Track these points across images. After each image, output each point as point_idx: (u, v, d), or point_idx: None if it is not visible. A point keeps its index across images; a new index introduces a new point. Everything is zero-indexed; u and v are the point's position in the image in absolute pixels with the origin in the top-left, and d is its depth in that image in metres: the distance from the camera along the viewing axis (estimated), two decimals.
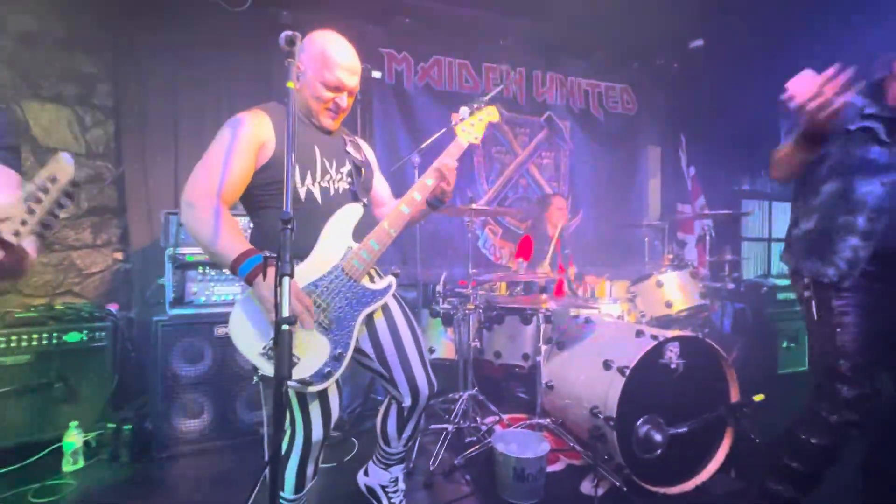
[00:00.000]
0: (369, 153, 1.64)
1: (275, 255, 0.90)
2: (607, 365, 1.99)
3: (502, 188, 3.96)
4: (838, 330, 1.41)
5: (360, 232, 1.42)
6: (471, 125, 1.62)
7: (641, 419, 1.91)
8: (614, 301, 2.85)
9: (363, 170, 1.52)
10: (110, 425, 2.35)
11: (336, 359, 1.29)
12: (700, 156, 4.45)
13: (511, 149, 4.00)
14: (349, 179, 1.47)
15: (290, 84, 1.16)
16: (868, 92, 1.45)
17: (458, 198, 3.65)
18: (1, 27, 2.68)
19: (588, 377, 2.07)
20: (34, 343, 2.31)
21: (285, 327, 0.83)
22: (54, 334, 2.35)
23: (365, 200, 1.49)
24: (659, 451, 1.92)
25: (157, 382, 2.33)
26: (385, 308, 1.48)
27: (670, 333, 2.00)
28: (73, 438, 2.23)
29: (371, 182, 1.59)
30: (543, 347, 2.30)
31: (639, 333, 2.08)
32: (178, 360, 2.37)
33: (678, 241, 4.37)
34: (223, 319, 2.48)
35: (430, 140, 2.63)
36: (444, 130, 2.60)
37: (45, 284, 2.81)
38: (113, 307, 2.71)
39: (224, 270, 2.61)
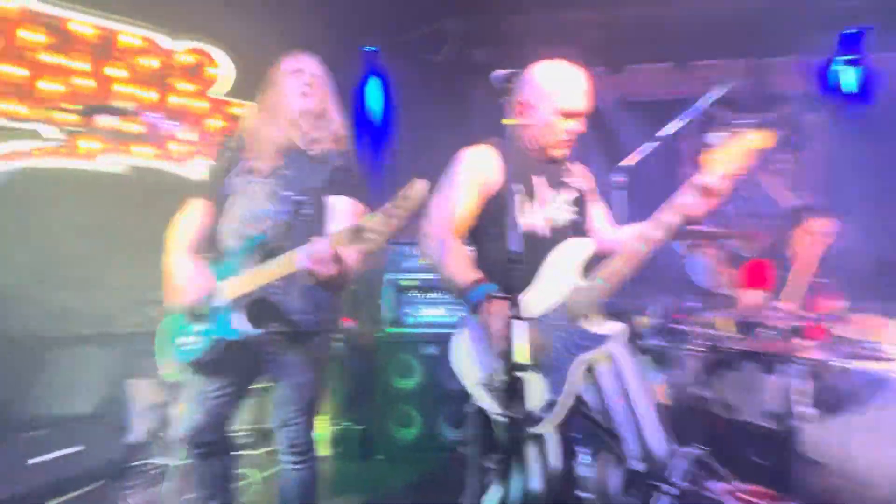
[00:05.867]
0: (590, 179, 1.56)
1: (503, 294, 0.89)
2: None
3: (719, 203, 3.35)
4: None
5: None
6: (726, 154, 1.32)
7: None
8: None
9: (586, 198, 1.45)
10: (345, 424, 2.79)
11: (548, 406, 1.22)
12: None
13: None
14: (573, 209, 1.42)
15: (508, 121, 1.19)
16: None
17: None
18: None
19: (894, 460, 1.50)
20: None
21: (519, 374, 0.81)
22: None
23: (602, 236, 1.41)
24: None
25: (377, 391, 2.69)
26: (611, 355, 1.35)
27: None
28: (324, 429, 2.73)
29: (591, 211, 1.51)
30: (804, 409, 1.78)
31: None
32: (393, 373, 2.69)
33: None
34: (430, 339, 2.73)
35: (632, 156, 2.40)
36: (656, 144, 2.34)
37: None
38: (347, 322, 3.26)
39: (433, 294, 2.85)
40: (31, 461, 2.13)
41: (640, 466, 1.31)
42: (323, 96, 1.51)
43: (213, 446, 1.49)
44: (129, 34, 2.71)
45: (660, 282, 2.91)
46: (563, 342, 1.26)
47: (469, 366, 1.25)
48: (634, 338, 2.51)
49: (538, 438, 1.28)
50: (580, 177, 1.52)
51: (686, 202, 1.28)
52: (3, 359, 2.27)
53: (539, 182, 1.40)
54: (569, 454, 2.20)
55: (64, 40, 2.51)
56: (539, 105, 1.37)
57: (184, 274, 1.37)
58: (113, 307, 2.67)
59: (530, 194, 1.37)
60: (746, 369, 2.05)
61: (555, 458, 1.32)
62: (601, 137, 3.36)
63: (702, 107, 2.32)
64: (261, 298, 1.34)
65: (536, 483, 1.29)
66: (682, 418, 2.13)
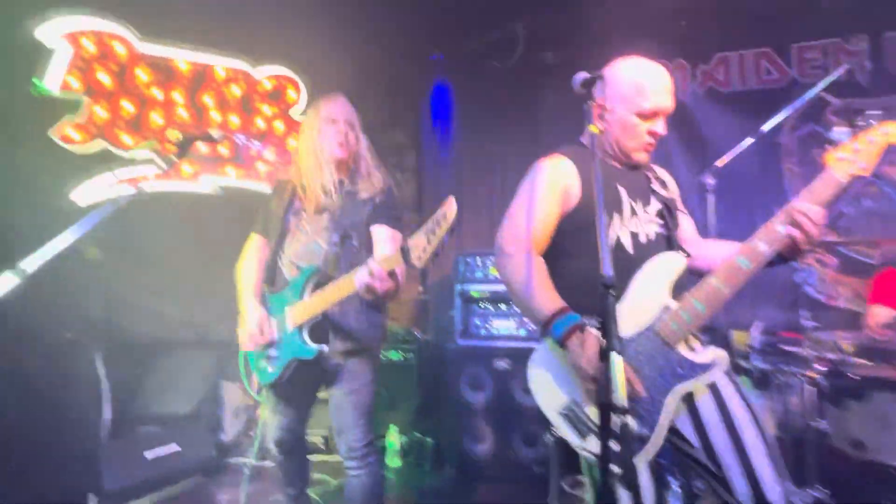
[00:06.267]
0: (674, 187, 1.42)
1: (597, 325, 0.81)
2: None
3: (832, 202, 2.91)
4: None
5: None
6: (854, 151, 1.14)
7: None
8: None
9: (672, 209, 1.31)
10: (416, 435, 2.79)
11: (639, 440, 1.10)
12: None
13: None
14: (660, 221, 1.29)
15: (592, 128, 1.10)
16: None
17: (761, 219, 2.87)
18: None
19: None
20: None
21: (622, 419, 0.71)
22: (383, 351, 3.00)
23: (687, 250, 1.27)
24: None
25: (449, 403, 2.65)
26: (713, 385, 1.20)
27: None
28: (394, 439, 2.75)
29: (680, 222, 1.36)
30: None
31: None
32: (464, 385, 2.64)
33: None
34: (501, 353, 2.65)
35: (728, 155, 2.15)
36: (752, 141, 2.09)
37: None
38: (417, 331, 3.28)
39: (500, 304, 2.77)
40: (148, 456, 2.37)
41: None
42: (356, 140, 1.67)
43: (295, 446, 1.72)
44: (221, 66, 2.96)
45: (763, 293, 2.58)
46: (655, 370, 1.13)
47: (549, 393, 1.17)
48: (733, 356, 2.24)
49: (630, 476, 1.16)
50: (665, 183, 1.40)
51: (793, 210, 1.10)
52: (122, 362, 2.56)
53: (622, 192, 1.29)
54: (661, 485, 2.01)
55: (167, 76, 2.81)
56: (616, 107, 1.27)
57: (254, 321, 1.57)
58: (209, 315, 2.92)
59: (613, 207, 1.26)
60: (880, 401, 1.74)
61: (647, 494, 1.19)
62: (688, 136, 3.08)
63: (811, 95, 2.02)
64: (322, 319, 1.51)
65: None
66: (797, 455, 1.86)
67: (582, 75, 1.14)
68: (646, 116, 1.25)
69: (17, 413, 2.09)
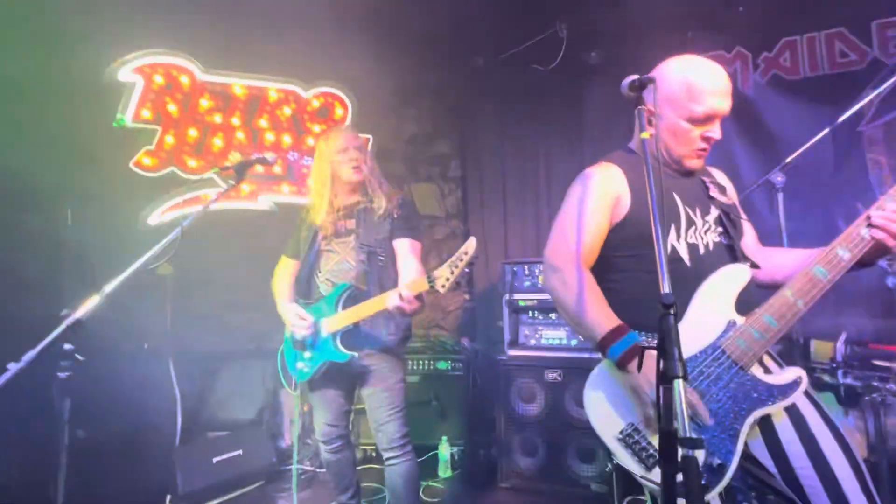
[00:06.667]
0: (734, 192, 1.32)
1: (654, 345, 0.75)
2: None
3: None
4: None
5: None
6: None
7: None
8: None
9: (734, 216, 1.22)
10: (467, 446, 2.76)
11: (713, 471, 1.00)
12: None
13: None
14: (719, 230, 1.20)
15: (644, 134, 1.03)
16: None
17: (841, 217, 2.60)
18: (399, 135, 3.80)
19: None
20: (421, 367, 3.00)
21: (690, 452, 0.65)
22: (430, 361, 3.01)
23: (752, 260, 1.17)
24: None
25: (500, 415, 2.60)
26: (791, 406, 1.09)
27: None
28: (445, 450, 2.74)
29: (742, 230, 1.26)
30: None
31: None
32: (515, 397, 2.58)
33: None
34: (552, 364, 2.57)
35: (800, 150, 1.97)
36: (826, 131, 1.90)
37: (423, 319, 3.69)
38: (465, 341, 3.26)
39: (555, 324, 2.70)
40: (215, 461, 2.51)
41: None
42: (367, 165, 1.84)
43: (341, 445, 1.88)
44: (273, 89, 3.13)
45: (849, 299, 2.31)
46: (724, 393, 1.04)
47: (606, 417, 1.10)
48: (814, 370, 2.03)
49: None
50: (725, 189, 1.30)
51: (880, 211, 0.98)
52: (190, 371, 2.74)
53: (677, 201, 1.21)
54: None
55: (225, 102, 3.00)
56: (665, 111, 1.19)
57: (293, 316, 1.77)
58: (267, 325, 3.06)
59: (669, 217, 1.18)
60: None
61: None
62: (752, 131, 2.85)
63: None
64: (355, 327, 1.70)
65: None
66: (895, 482, 1.65)
67: (631, 78, 1.08)
68: (698, 121, 1.16)
69: (107, 419, 2.30)
